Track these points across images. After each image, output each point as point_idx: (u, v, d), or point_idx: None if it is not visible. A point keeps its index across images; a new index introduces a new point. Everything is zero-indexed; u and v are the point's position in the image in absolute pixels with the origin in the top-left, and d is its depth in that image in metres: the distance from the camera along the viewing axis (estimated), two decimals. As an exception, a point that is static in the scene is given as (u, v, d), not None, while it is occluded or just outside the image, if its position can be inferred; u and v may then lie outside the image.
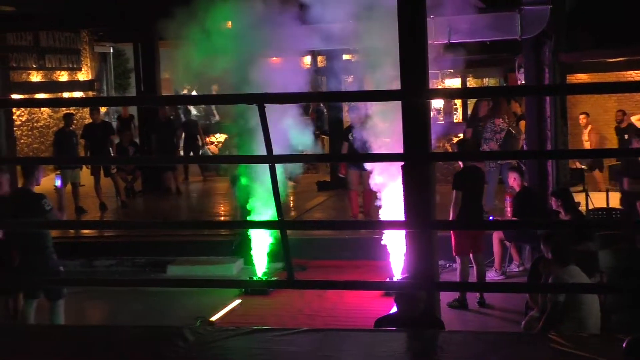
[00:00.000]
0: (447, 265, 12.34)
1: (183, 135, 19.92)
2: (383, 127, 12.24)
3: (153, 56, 19.38)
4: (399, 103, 11.16)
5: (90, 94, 24.72)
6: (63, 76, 24.23)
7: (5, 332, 5.44)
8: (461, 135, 18.93)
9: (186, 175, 20.21)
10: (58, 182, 9.88)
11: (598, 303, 7.85)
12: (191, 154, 19.49)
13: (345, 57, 16.09)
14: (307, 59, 19.23)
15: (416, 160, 6.54)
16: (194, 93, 23.01)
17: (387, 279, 11.71)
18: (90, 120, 18.12)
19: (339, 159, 9.35)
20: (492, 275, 12.02)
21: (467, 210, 10.86)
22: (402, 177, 6.90)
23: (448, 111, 23.40)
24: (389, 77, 11.11)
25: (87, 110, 24.72)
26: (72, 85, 24.46)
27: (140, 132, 19.93)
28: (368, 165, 12.07)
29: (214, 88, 24.47)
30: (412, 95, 6.32)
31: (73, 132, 17.93)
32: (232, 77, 11.49)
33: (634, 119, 16.89)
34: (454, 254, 11.19)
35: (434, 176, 7.02)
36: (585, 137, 17.75)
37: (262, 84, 10.93)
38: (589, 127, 17.77)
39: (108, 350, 5.10)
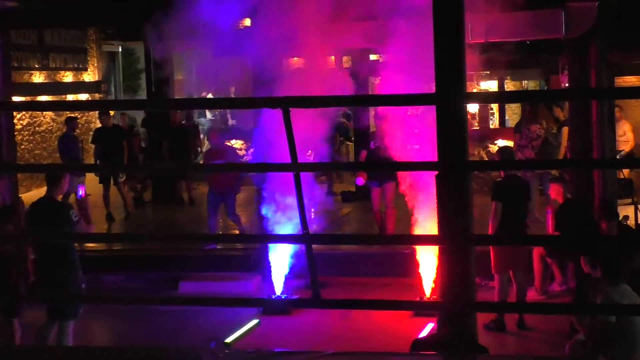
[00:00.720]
0: (484, 283, 12.30)
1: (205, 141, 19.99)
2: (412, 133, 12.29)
3: (166, 56, 19.46)
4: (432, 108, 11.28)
5: (97, 96, 24.89)
6: (68, 77, 24.41)
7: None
8: (499, 143, 18.92)
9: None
10: (81, 192, 9.94)
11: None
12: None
13: (372, 57, 16.12)
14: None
15: (452, 169, 6.49)
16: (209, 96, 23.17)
17: (419, 298, 11.71)
18: (100, 125, 18.22)
19: (367, 167, 9.34)
20: (532, 295, 11.97)
21: (508, 223, 10.82)
22: (436, 187, 6.86)
23: (484, 116, 23.33)
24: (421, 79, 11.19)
25: (93, 113, 24.94)
26: (78, 86, 24.64)
27: (149, 138, 20.04)
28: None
29: (231, 91, 24.65)
30: (448, 99, 6.27)
31: (76, 137, 18.08)
32: (250, 79, 11.58)
33: None
34: (492, 271, 11.15)
35: (471, 187, 6.98)
36: (619, 131, 17.48)
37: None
38: (622, 122, 17.46)
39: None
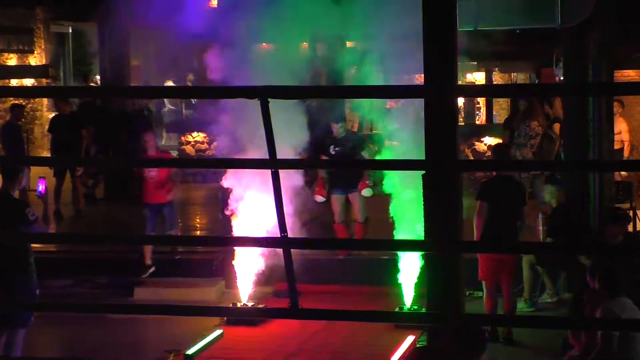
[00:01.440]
0: (467, 293, 12.34)
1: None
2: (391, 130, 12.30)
3: (122, 39, 19.37)
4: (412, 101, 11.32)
5: (44, 81, 24.68)
6: (12, 60, 24.19)
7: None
8: (485, 140, 18.99)
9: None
10: (41, 187, 9.79)
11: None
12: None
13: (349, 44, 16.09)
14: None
15: (441, 168, 6.52)
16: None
17: (397, 309, 11.73)
18: (56, 112, 18.09)
19: (353, 165, 9.32)
20: (520, 306, 12.01)
21: (495, 228, 10.85)
22: (423, 188, 6.89)
23: (470, 111, 23.40)
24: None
25: (39, 101, 24.75)
26: (23, 70, 24.42)
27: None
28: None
29: (188, 78, 24.52)
30: (438, 91, 6.30)
31: (20, 126, 17.95)
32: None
33: None
34: (479, 278, 11.18)
35: (461, 188, 7.02)
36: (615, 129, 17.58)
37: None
38: (619, 120, 17.55)
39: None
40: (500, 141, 16.81)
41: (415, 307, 11.73)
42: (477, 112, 23.93)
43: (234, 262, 12.39)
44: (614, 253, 8.55)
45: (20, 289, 9.21)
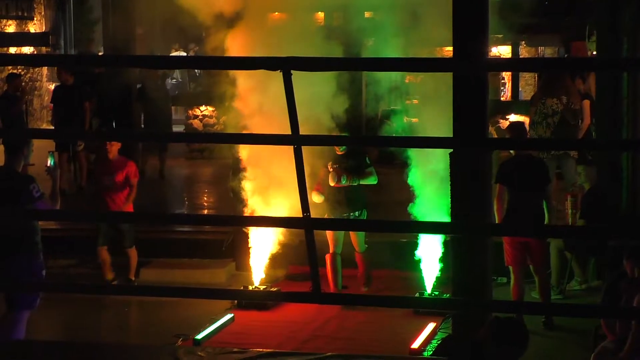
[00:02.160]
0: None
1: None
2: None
3: (126, 5, 19.33)
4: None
5: (44, 49, 24.70)
6: (10, 27, 24.19)
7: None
8: (511, 118, 18.94)
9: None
10: (51, 161, 9.80)
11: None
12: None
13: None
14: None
15: (470, 146, 6.52)
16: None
17: (417, 294, 11.77)
18: (58, 83, 18.10)
19: (382, 142, 9.30)
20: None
21: (517, 210, 10.86)
22: (451, 167, 6.89)
23: (495, 87, 23.27)
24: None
25: (39, 71, 24.76)
26: (22, 38, 24.43)
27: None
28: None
29: (191, 48, 24.43)
30: (468, 64, 6.31)
31: (19, 98, 17.98)
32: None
33: None
34: (506, 263, 11.19)
35: (490, 167, 7.02)
36: None
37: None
38: None
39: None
40: (522, 119, 16.77)
41: (437, 293, 11.77)
42: (502, 88, 23.83)
43: (247, 243, 12.44)
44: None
45: (26, 269, 9.25)
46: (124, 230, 12.92)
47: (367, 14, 15.24)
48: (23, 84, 21.49)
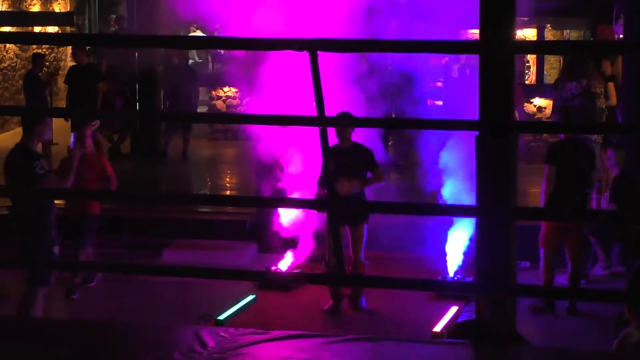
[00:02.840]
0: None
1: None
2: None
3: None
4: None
5: (69, 29, 24.71)
6: (35, 6, 24.22)
7: None
8: (535, 102, 18.87)
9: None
10: (72, 141, 9.86)
11: None
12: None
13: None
14: None
15: (496, 129, 6.46)
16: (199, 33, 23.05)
17: (440, 278, 11.74)
18: (74, 63, 18.14)
19: (408, 124, 9.20)
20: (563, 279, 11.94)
21: (564, 193, 10.84)
22: (477, 151, 6.83)
23: (519, 70, 23.16)
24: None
25: (63, 50, 24.81)
26: (46, 17, 24.45)
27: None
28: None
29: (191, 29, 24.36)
30: (495, 47, 6.24)
31: (40, 77, 18.05)
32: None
33: None
34: (540, 244, 11.16)
35: (517, 151, 6.96)
36: None
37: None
38: None
39: (108, 352, 5.12)
40: (547, 102, 16.69)
41: (459, 277, 11.74)
42: (527, 72, 23.72)
43: (269, 225, 12.45)
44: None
45: (38, 245, 9.26)
46: (82, 232, 12.04)
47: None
48: (47, 63, 21.54)
